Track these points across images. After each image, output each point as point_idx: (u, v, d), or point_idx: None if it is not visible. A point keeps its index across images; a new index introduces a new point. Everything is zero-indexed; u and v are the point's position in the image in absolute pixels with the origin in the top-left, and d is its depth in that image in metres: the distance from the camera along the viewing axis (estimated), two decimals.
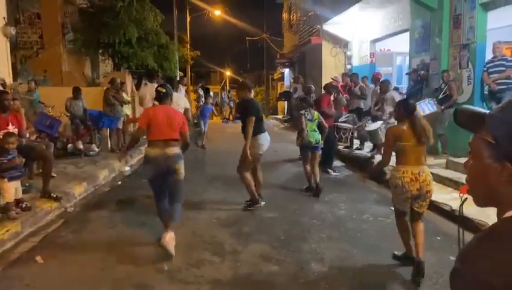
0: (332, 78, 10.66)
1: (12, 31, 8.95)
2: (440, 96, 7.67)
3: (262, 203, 5.72)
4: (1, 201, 4.96)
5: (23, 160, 5.56)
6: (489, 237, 0.89)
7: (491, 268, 0.81)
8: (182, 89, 12.32)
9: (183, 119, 4.48)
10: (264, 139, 5.62)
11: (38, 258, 4.02)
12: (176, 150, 4.31)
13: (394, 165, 3.86)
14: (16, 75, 10.49)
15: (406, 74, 9.97)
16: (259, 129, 5.54)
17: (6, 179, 4.81)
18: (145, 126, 4.27)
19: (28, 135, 6.00)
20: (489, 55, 7.39)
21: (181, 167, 4.35)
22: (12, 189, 4.86)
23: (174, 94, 6.50)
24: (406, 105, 3.90)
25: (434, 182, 6.84)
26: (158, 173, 4.25)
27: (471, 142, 0.96)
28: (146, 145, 4.41)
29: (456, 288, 0.87)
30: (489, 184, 0.92)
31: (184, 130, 4.42)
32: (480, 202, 0.99)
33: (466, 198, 1.01)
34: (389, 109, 8.19)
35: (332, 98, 8.70)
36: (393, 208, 5.57)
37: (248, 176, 5.62)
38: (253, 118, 5.40)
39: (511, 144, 0.87)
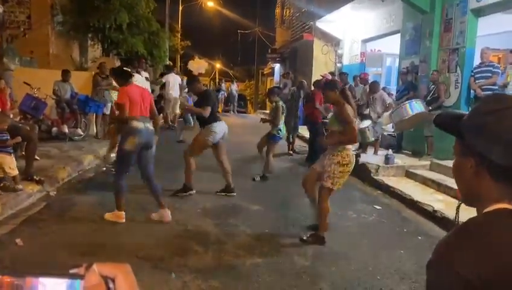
0: (321, 76, 10.69)
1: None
2: (428, 98, 7.78)
3: (193, 191, 5.84)
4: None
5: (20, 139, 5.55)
6: (463, 231, 0.91)
7: (463, 260, 0.84)
8: (176, 76, 12.47)
9: (151, 98, 4.92)
10: (219, 128, 5.66)
11: (18, 241, 3.95)
12: (151, 126, 4.69)
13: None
14: (1, 54, 10.25)
15: (400, 72, 10.03)
16: (213, 118, 5.64)
17: (12, 154, 5.06)
18: (127, 102, 4.49)
19: (12, 116, 5.90)
20: (477, 61, 7.52)
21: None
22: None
23: (138, 77, 6.59)
24: (339, 87, 4.44)
25: (417, 183, 7.03)
26: (139, 147, 4.55)
27: (455, 143, 1.02)
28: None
29: (430, 279, 0.89)
30: (465, 180, 0.97)
31: (154, 109, 4.88)
32: (466, 200, 1.02)
33: (462, 202, 1.05)
34: (378, 108, 8.28)
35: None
36: (377, 206, 5.66)
37: (193, 162, 5.74)
38: (209, 108, 5.51)
39: (473, 138, 0.93)
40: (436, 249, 0.91)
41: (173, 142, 9.63)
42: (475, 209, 0.98)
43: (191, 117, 10.80)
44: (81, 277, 0.55)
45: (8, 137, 5.12)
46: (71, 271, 0.57)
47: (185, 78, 13.22)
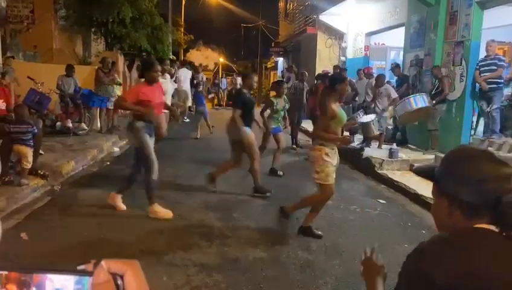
0: (323, 72, 10.66)
1: (2, 3, 8.74)
2: (433, 92, 7.72)
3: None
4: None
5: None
6: (438, 238, 1.10)
7: (432, 263, 1.00)
8: (187, 70, 12.80)
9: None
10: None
11: (23, 235, 3.97)
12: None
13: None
14: (5, 49, 10.25)
15: (390, 69, 10.03)
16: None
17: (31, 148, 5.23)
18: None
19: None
20: (483, 54, 7.45)
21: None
22: None
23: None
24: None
25: (420, 178, 6.98)
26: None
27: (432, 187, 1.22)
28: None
29: (401, 275, 1.10)
30: (440, 217, 1.15)
31: None
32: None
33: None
34: (383, 102, 8.24)
35: None
36: (381, 200, 5.63)
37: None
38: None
39: (445, 182, 1.12)
40: (412, 251, 1.10)
41: (184, 136, 9.64)
42: None
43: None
44: (89, 273, 0.55)
45: (36, 131, 5.35)
46: (79, 267, 0.57)
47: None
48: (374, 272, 1.47)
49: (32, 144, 5.28)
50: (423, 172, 1.28)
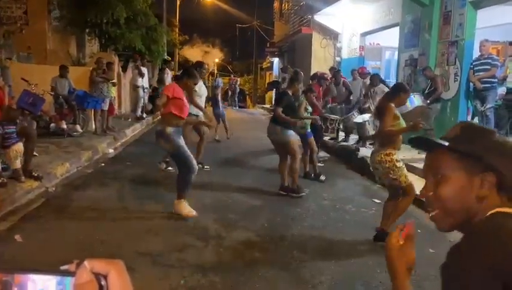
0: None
1: None
2: (426, 92, 7.75)
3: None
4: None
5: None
6: (477, 233, 0.94)
7: (492, 255, 0.86)
8: (169, 73, 12.46)
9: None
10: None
11: (17, 237, 3.94)
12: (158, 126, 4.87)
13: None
14: None
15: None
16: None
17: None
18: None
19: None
20: (477, 54, 7.49)
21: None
22: None
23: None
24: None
25: (417, 177, 7.00)
26: None
27: (432, 165, 1.07)
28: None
29: (451, 279, 0.92)
30: (463, 201, 0.98)
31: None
32: (449, 226, 1.03)
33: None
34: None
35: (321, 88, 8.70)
36: (377, 200, 5.64)
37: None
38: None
39: (489, 154, 0.95)
40: (451, 251, 0.93)
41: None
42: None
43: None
44: (71, 273, 0.54)
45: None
46: (62, 268, 0.55)
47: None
48: (404, 263, 1.08)
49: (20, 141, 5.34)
50: (421, 144, 1.14)
